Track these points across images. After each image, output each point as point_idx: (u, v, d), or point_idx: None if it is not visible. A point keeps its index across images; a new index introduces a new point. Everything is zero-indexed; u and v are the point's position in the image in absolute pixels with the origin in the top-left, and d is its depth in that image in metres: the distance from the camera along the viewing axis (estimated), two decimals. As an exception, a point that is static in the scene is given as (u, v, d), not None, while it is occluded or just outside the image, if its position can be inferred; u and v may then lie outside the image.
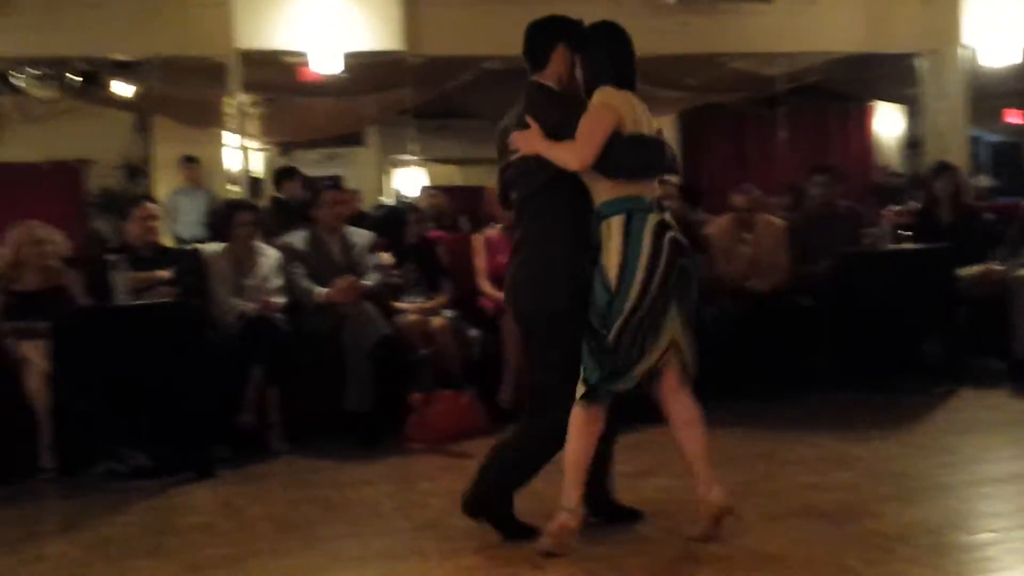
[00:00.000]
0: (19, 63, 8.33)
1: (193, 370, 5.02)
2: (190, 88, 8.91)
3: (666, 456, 4.95)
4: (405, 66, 7.93)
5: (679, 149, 10.98)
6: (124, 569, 3.72)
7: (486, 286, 6.01)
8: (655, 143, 3.56)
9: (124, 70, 8.89)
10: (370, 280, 5.78)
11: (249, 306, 5.53)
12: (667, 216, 3.55)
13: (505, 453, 3.78)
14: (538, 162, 3.51)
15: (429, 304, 5.95)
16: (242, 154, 8.05)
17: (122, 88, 9.17)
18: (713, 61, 8.65)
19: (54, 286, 5.38)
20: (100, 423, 5.04)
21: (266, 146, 10.76)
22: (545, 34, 3.64)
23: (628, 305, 3.42)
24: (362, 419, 5.43)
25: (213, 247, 5.97)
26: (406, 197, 11.05)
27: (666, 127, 11.20)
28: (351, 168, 11.65)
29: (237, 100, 7.65)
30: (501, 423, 5.60)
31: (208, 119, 9.15)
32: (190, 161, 9.40)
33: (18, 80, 8.64)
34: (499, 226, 6.11)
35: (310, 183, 8.96)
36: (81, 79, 8.85)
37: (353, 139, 11.30)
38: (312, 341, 5.55)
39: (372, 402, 5.43)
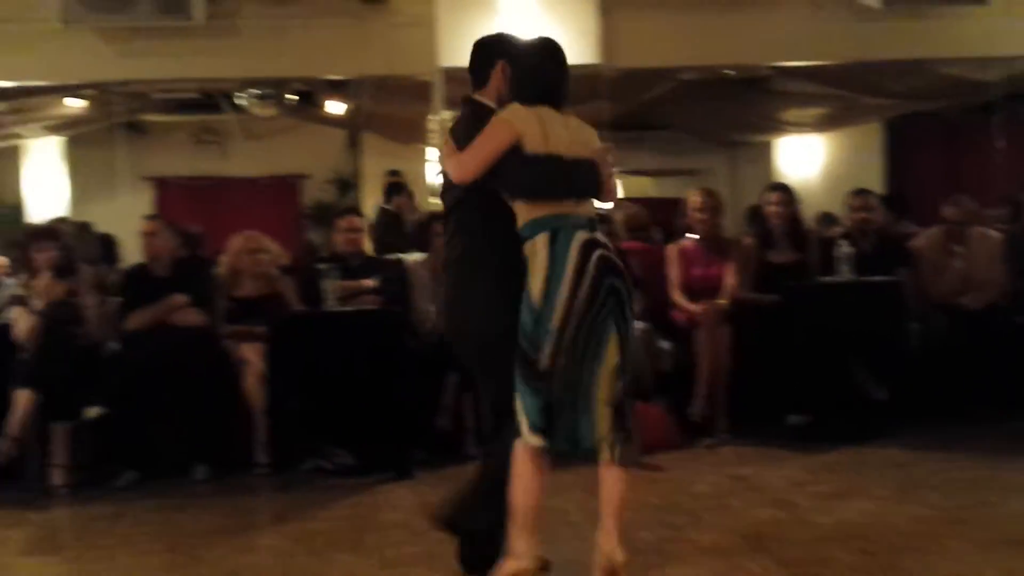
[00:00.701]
0: (243, 84, 8.92)
1: (394, 375, 5.24)
2: (397, 106, 9.28)
3: (866, 477, 4.80)
4: (600, 79, 7.97)
5: (885, 158, 10.66)
6: (327, 562, 3.90)
7: (679, 298, 5.96)
8: (557, 163, 3.26)
9: (337, 89, 9.36)
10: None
11: (446, 314, 5.70)
12: (600, 235, 3.32)
13: (476, 493, 3.58)
14: (451, 178, 3.42)
15: (621, 315, 5.95)
16: (443, 168, 8.30)
17: (335, 106, 9.67)
18: (922, 67, 8.23)
19: (270, 292, 5.73)
20: (310, 422, 5.34)
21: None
22: (486, 52, 3.55)
23: (555, 324, 3.19)
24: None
25: (415, 257, 6.19)
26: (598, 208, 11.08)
27: (871, 135, 10.82)
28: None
29: (440, 116, 7.90)
30: (692, 437, 5.56)
31: (413, 135, 9.50)
32: (394, 175, 9.82)
33: (242, 100, 9.25)
34: (694, 237, 6.06)
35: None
36: (298, 98, 9.39)
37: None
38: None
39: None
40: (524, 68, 3.40)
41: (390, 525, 4.42)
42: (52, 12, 6.62)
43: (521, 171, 3.25)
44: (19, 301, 5.49)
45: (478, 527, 3.48)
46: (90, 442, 5.43)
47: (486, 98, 3.49)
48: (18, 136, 10.30)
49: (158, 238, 5.63)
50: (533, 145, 3.25)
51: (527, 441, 3.21)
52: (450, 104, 8.19)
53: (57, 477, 5.18)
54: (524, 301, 3.22)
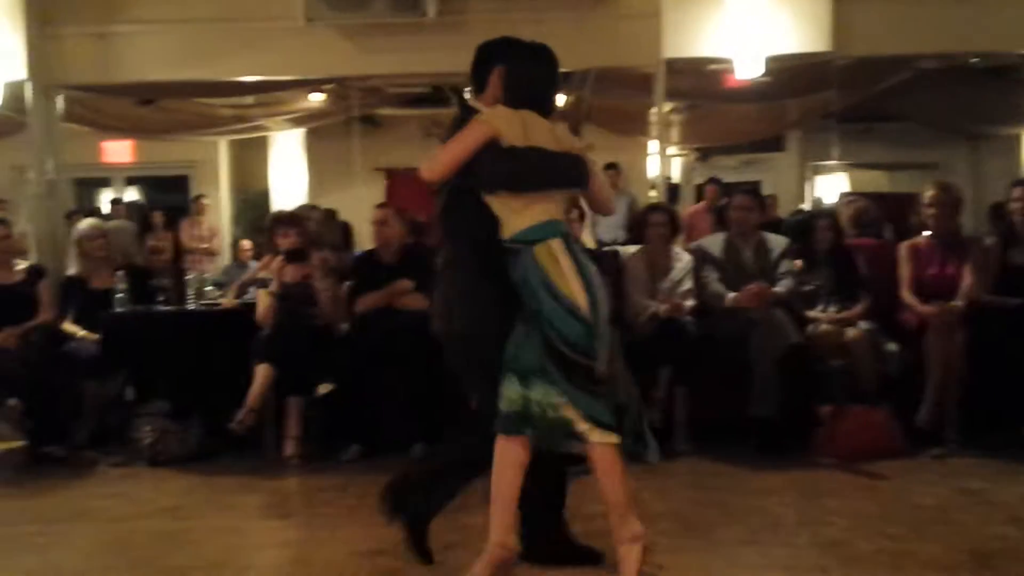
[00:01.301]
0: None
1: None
2: (618, 98, 9.30)
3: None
4: (831, 68, 7.68)
5: None
6: (535, 545, 3.99)
7: (909, 298, 5.66)
8: (538, 153, 3.29)
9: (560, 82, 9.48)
10: (782, 287, 5.68)
11: (660, 307, 5.68)
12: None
13: (431, 471, 3.74)
14: (440, 184, 3.42)
15: (845, 314, 5.73)
16: (661, 160, 8.26)
17: (557, 100, 9.79)
18: None
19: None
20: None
21: (685, 152, 10.96)
22: (484, 57, 3.56)
23: (605, 329, 3.27)
24: (766, 427, 5.36)
25: (631, 249, 6.19)
26: (824, 203, 10.73)
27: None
28: (770, 174, 11.52)
29: (661, 108, 7.85)
30: (918, 446, 5.28)
31: (633, 127, 9.51)
32: (611, 168, 9.93)
33: (468, 94, 9.53)
34: (928, 235, 5.75)
35: (726, 189, 9.01)
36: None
37: (773, 144, 11.16)
38: (720, 345, 5.57)
39: (778, 411, 5.35)
40: (515, 73, 3.45)
41: (597, 516, 4.44)
42: (296, 11, 7.08)
43: (498, 161, 3.29)
44: (261, 283, 5.91)
45: (428, 511, 3.66)
46: (320, 416, 5.76)
47: (483, 103, 3.53)
48: (265, 128, 11.07)
49: (388, 226, 5.88)
50: (511, 140, 3.30)
51: (599, 440, 3.28)
52: (672, 96, 8.14)
53: (290, 448, 5.53)
54: (563, 308, 3.25)
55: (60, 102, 7.77)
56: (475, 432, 3.50)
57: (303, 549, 4.00)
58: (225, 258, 11.24)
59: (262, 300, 5.76)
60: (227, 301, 6.23)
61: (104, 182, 12.69)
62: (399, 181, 12.27)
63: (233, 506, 4.77)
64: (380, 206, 6.15)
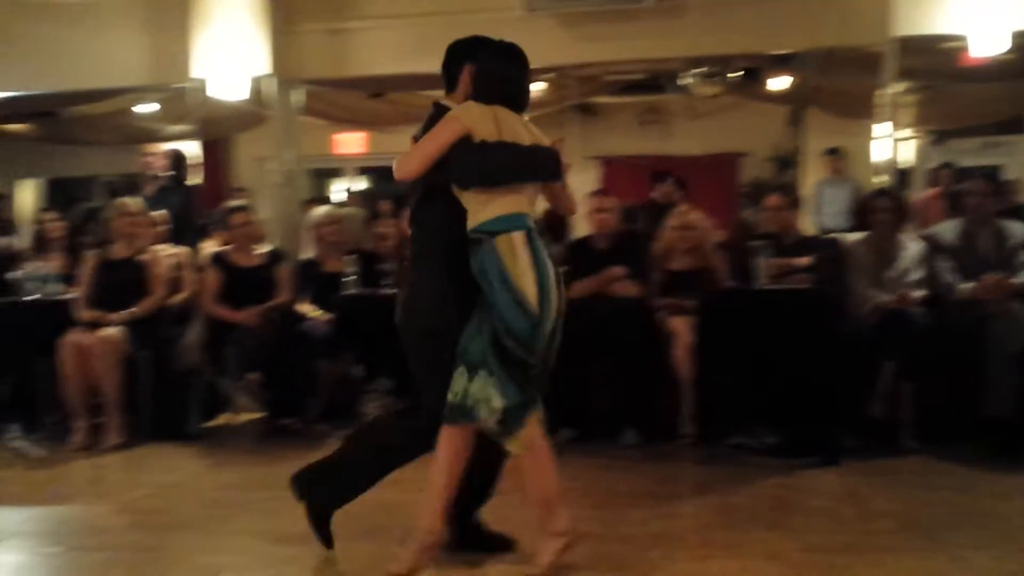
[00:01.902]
0: (688, 64, 9.07)
1: (826, 357, 5.09)
2: (844, 79, 8.94)
3: None
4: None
5: None
6: (746, 538, 3.91)
7: None
8: (508, 148, 3.30)
9: (781, 64, 9.20)
10: (1022, 278, 5.30)
11: (885, 298, 5.43)
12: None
13: (358, 454, 3.76)
14: (413, 180, 3.43)
15: (1095, 309, 5.29)
16: (890, 144, 7.87)
17: (778, 82, 9.52)
18: None
19: (703, 267, 5.83)
20: (737, 398, 5.36)
21: (918, 135, 10.39)
22: (455, 56, 3.57)
23: (549, 327, 3.29)
24: (1001, 427, 5.03)
25: (854, 237, 5.96)
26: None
27: None
28: (1014, 157, 10.75)
29: (891, 89, 7.49)
30: None
31: (858, 110, 9.09)
32: (834, 153, 9.59)
33: (685, 80, 9.42)
34: None
35: (963, 174, 8.50)
36: (741, 75, 9.36)
37: (1016, 126, 10.38)
38: (951, 338, 5.26)
39: (1013, 410, 5.01)
40: (486, 72, 3.43)
41: (813, 510, 4.34)
42: (517, 1, 7.23)
43: (469, 156, 3.28)
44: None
45: (348, 496, 3.74)
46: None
47: (454, 102, 3.52)
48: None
49: (605, 213, 5.94)
50: (484, 136, 3.28)
51: (522, 435, 3.37)
52: (903, 76, 7.74)
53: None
54: (513, 300, 3.24)
55: (299, 96, 8.28)
56: (416, 419, 3.57)
57: (515, 526, 4.10)
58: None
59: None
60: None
61: (336, 172, 13.38)
62: (614, 169, 12.28)
63: (450, 482, 4.94)
64: (597, 193, 6.19)
